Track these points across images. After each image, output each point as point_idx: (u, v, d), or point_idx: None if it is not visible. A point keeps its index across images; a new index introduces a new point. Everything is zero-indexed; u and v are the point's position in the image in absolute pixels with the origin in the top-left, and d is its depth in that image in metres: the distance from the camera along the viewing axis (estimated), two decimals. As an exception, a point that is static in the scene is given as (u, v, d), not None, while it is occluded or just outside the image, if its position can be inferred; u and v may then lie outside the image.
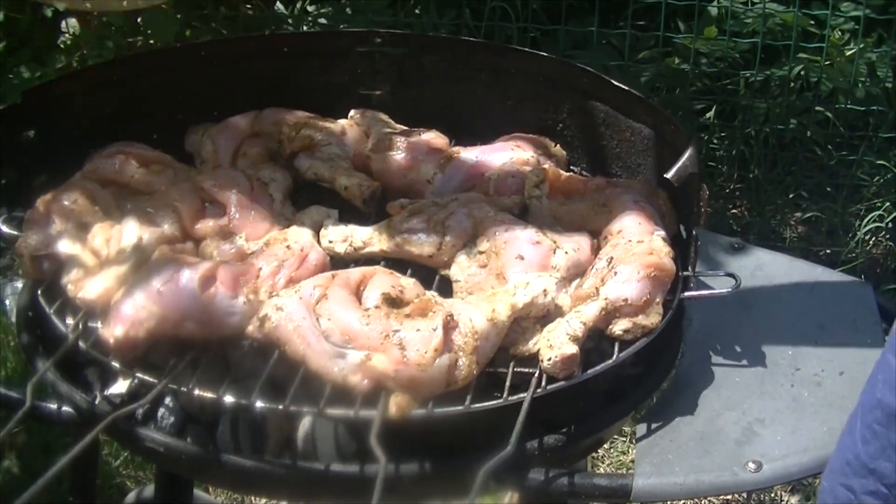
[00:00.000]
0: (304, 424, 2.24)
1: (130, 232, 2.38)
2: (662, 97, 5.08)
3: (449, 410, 2.09)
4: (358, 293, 2.21)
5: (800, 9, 4.89)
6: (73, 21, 4.85)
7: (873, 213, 4.99)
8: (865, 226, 4.99)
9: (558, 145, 2.81)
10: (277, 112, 2.84)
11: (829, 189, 5.19)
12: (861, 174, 5.14)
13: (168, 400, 2.29)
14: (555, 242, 2.36)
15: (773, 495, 4.01)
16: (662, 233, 2.41)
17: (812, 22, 5.08)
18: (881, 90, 5.05)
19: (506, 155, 2.68)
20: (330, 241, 2.47)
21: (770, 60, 5.18)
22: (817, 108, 5.11)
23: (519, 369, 2.18)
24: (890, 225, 5.03)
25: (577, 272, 2.34)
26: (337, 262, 2.46)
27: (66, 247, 2.39)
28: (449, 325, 2.11)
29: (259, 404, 2.10)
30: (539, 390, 2.13)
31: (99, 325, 2.24)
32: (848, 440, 1.82)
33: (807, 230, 5.20)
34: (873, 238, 5.09)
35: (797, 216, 5.23)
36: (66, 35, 4.89)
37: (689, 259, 2.41)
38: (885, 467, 1.74)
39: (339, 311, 2.14)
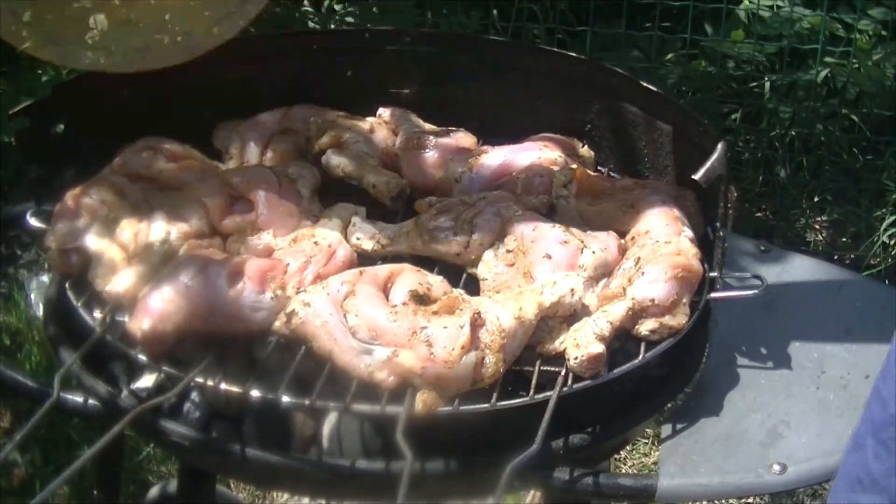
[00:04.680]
0: (330, 420, 2.24)
1: (158, 227, 2.39)
2: (688, 100, 5.07)
3: (475, 408, 2.10)
4: (385, 290, 2.22)
5: (827, 12, 4.87)
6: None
7: (895, 217, 4.97)
8: (888, 230, 4.97)
9: (586, 145, 2.81)
10: (306, 109, 2.85)
11: (853, 193, 5.18)
12: (886, 179, 5.13)
13: (194, 394, 2.30)
14: (582, 242, 2.36)
15: (794, 499, 4.01)
16: (690, 234, 2.40)
17: (839, 26, 5.06)
18: (908, 95, 5.04)
19: (534, 154, 2.68)
20: (357, 238, 2.48)
21: (796, 64, 5.16)
22: (843, 111, 5.09)
23: (545, 368, 2.19)
24: (915, 230, 5.01)
25: (605, 272, 2.34)
26: (364, 259, 2.47)
27: (94, 241, 2.40)
28: (476, 323, 2.11)
29: (285, 399, 2.11)
30: (565, 389, 2.14)
31: (126, 318, 2.25)
32: (857, 456, 1.80)
33: (831, 234, 5.18)
34: (897, 243, 5.08)
35: (821, 220, 5.22)
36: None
37: (716, 260, 2.41)
38: (893, 484, 1.74)
39: (367, 308, 2.14)
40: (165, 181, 2.60)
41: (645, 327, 2.24)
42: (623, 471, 4.05)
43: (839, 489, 1.84)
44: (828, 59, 4.99)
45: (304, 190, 2.57)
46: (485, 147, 2.76)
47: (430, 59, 2.96)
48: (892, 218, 4.97)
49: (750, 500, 3.94)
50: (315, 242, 2.38)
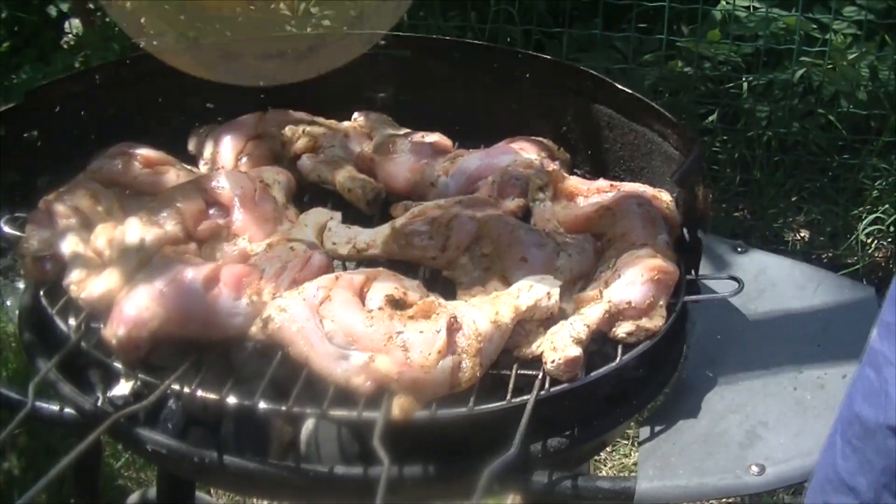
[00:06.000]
0: (308, 426, 2.24)
1: (133, 232, 2.37)
2: (665, 100, 5.08)
3: (452, 412, 2.09)
4: (362, 295, 2.21)
5: (802, 13, 4.89)
6: (76, 22, 4.86)
7: (873, 216, 4.99)
8: (866, 229, 4.99)
9: (562, 148, 2.81)
10: (281, 114, 2.84)
11: (830, 192, 5.19)
12: (863, 178, 5.15)
13: (171, 401, 2.29)
14: (558, 245, 2.36)
15: (774, 499, 4.01)
16: (666, 236, 2.41)
17: (815, 26, 5.08)
18: (883, 94, 5.05)
19: (510, 158, 2.68)
20: (333, 243, 2.47)
21: (773, 64, 5.18)
22: (819, 111, 5.11)
23: (522, 371, 2.18)
24: (892, 228, 5.03)
25: (581, 275, 2.34)
26: (340, 264, 2.47)
27: (68, 247, 2.38)
28: (452, 328, 2.10)
29: (262, 406, 2.10)
30: (542, 392, 2.13)
31: (101, 325, 2.24)
32: (828, 456, 1.82)
33: (809, 234, 5.20)
34: (875, 241, 5.09)
35: (799, 219, 5.23)
36: (70, 36, 4.90)
37: (693, 262, 2.41)
38: (861, 483, 1.74)
39: (343, 313, 2.14)
40: (140, 187, 2.60)
41: (622, 330, 2.24)
42: (604, 472, 4.05)
43: (814, 489, 1.85)
44: (804, 59, 5.01)
45: (279, 195, 2.57)
46: (460, 150, 2.76)
47: (406, 62, 2.96)
48: (871, 217, 4.99)
49: (729, 501, 3.95)
50: (291, 248, 2.37)
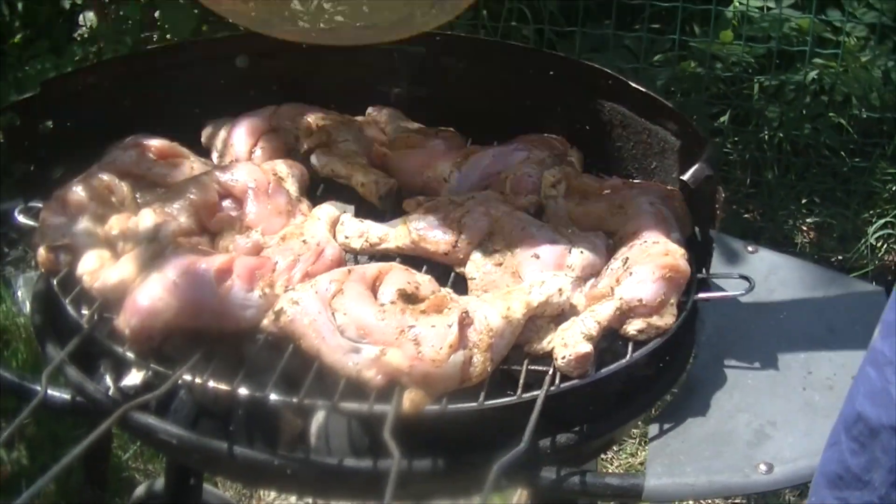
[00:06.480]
0: (318, 419, 2.24)
1: (147, 223, 2.38)
2: (677, 101, 5.08)
3: (463, 407, 2.10)
4: (374, 289, 2.21)
5: (816, 14, 4.89)
6: (90, 15, 4.86)
7: (883, 220, 4.99)
8: (876, 232, 4.99)
9: (575, 146, 2.81)
10: (295, 108, 2.84)
11: (841, 195, 5.19)
12: (874, 181, 5.14)
13: (182, 392, 2.29)
14: (570, 242, 2.36)
15: (780, 499, 4.01)
16: (678, 234, 2.41)
17: (828, 28, 5.08)
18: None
19: (523, 154, 2.68)
20: (346, 237, 2.48)
21: (785, 65, 5.18)
22: (831, 114, 5.11)
23: (533, 367, 2.18)
24: (902, 232, 5.04)
25: (593, 272, 2.34)
26: (352, 257, 2.48)
27: (82, 238, 2.39)
28: (464, 322, 2.11)
29: (273, 397, 2.11)
30: (552, 388, 2.14)
31: (114, 315, 2.25)
32: (833, 453, 1.82)
33: (818, 236, 5.20)
34: (884, 245, 5.09)
35: (809, 222, 5.23)
36: (83, 28, 4.90)
37: (704, 261, 2.42)
38: (875, 479, 1.75)
39: (355, 306, 2.14)
40: (154, 178, 2.60)
41: (632, 327, 2.24)
42: (609, 471, 4.05)
43: (820, 486, 1.85)
44: (816, 61, 5.01)
45: (292, 188, 2.57)
46: (474, 147, 2.76)
47: (420, 58, 2.96)
48: (881, 221, 4.98)
49: (736, 501, 3.95)
50: (304, 241, 2.38)
